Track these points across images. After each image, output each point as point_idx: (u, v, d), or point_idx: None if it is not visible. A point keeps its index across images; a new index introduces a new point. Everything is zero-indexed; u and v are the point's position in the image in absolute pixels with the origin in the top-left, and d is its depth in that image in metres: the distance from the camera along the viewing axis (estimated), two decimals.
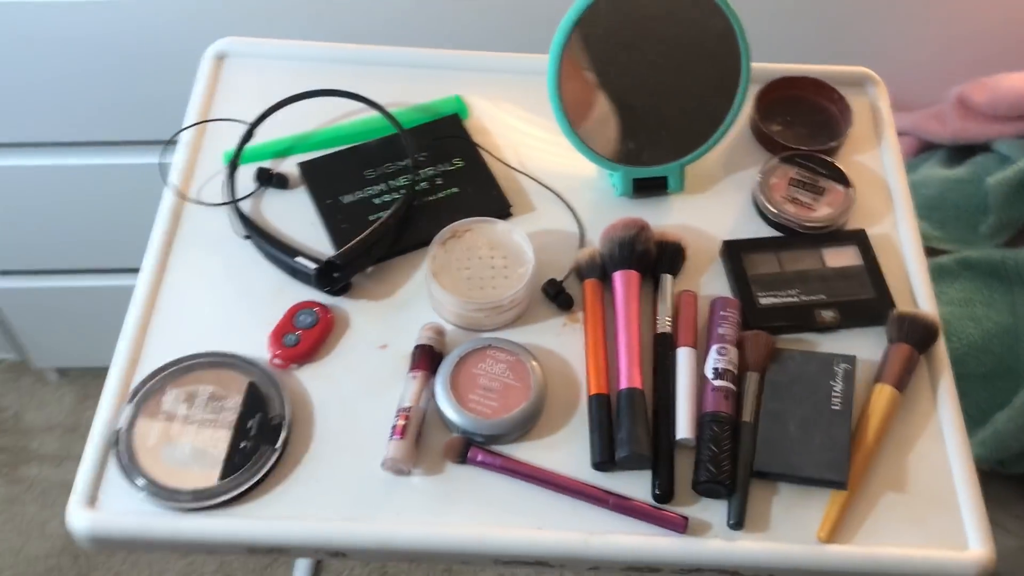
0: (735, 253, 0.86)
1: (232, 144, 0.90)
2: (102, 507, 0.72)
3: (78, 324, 1.61)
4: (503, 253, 0.83)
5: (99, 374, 1.92)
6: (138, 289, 0.82)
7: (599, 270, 0.83)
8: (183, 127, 0.92)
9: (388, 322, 0.82)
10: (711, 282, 0.86)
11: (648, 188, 0.90)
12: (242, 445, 0.73)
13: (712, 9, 0.84)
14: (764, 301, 0.83)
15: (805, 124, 0.97)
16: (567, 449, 0.76)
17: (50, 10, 1.15)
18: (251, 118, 0.90)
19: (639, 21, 0.85)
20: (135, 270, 0.84)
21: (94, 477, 0.73)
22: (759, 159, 0.93)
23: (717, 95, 0.88)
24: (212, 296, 0.83)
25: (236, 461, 0.72)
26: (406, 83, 0.98)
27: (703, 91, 0.88)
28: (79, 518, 0.71)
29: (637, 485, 0.74)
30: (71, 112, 1.28)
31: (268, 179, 0.89)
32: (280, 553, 0.73)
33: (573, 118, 0.87)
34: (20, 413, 1.75)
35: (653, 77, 0.87)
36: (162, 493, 0.71)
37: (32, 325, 1.63)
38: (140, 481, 0.71)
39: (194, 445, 0.73)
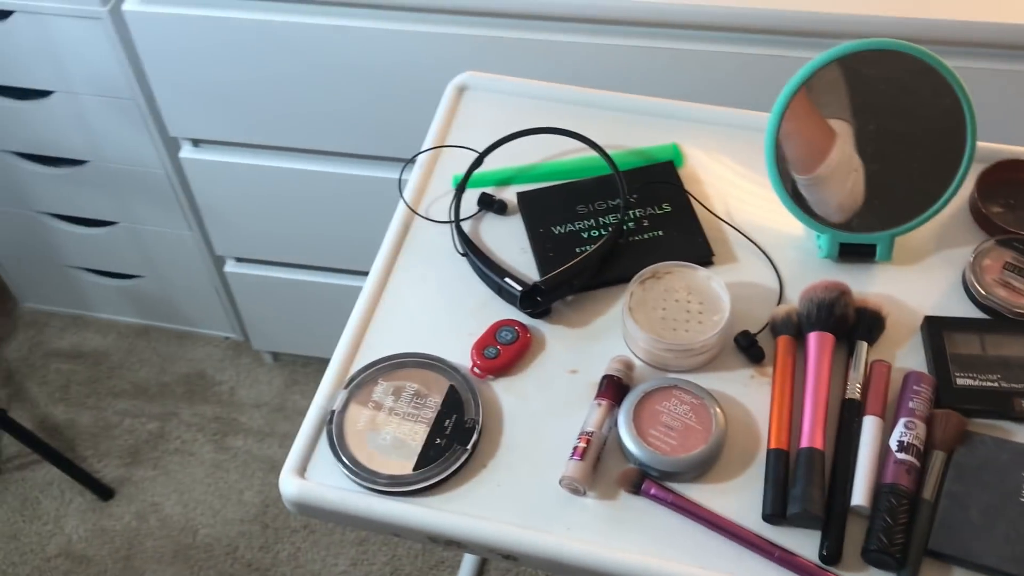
0: (937, 329, 0.85)
1: (462, 168, 0.98)
2: (310, 477, 0.80)
3: (298, 315, 1.76)
4: (700, 299, 0.86)
5: (308, 362, 2.09)
6: (366, 288, 0.91)
7: (794, 328, 0.85)
8: (422, 150, 1.01)
9: (581, 349, 0.87)
10: (907, 356, 0.86)
11: (854, 254, 0.91)
12: (437, 441, 0.80)
13: (942, 86, 0.84)
14: (961, 382, 0.82)
15: None
16: (739, 497, 0.78)
17: (331, 38, 1.29)
18: (482, 147, 0.99)
19: (865, 89, 0.86)
20: (359, 272, 0.93)
21: (306, 449, 0.82)
22: (974, 238, 0.92)
23: (938, 169, 0.88)
24: (427, 303, 0.91)
25: (430, 455, 0.79)
26: (626, 127, 1.03)
27: (924, 164, 0.88)
28: (289, 484, 0.80)
29: (805, 543, 0.75)
30: (332, 125, 1.42)
31: (489, 204, 0.97)
32: (457, 547, 0.79)
33: (786, 177, 0.89)
34: (235, 388, 1.93)
35: (873, 145, 0.88)
36: (362, 474, 0.79)
37: (257, 310, 1.81)
38: (345, 459, 0.79)
39: (395, 435, 0.81)
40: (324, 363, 0.87)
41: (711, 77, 1.24)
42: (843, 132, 0.88)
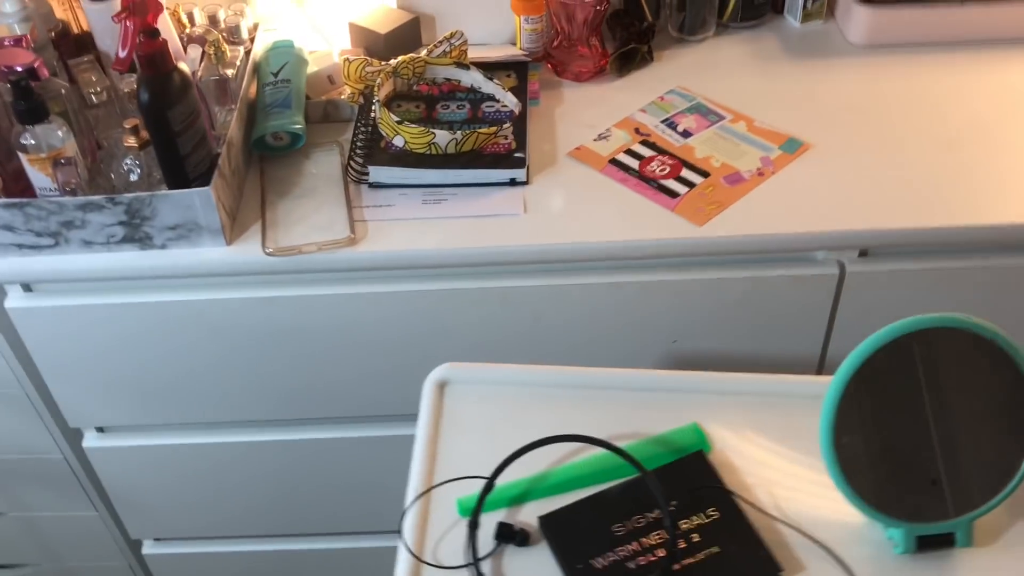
0: None
1: (463, 485, 0.84)
2: None
3: None
4: None
5: None
6: None
7: None
8: (414, 498, 0.86)
9: None
10: None
11: (932, 543, 0.80)
12: None
13: (1003, 359, 0.77)
14: None
15: None
16: None
17: (214, 309, 1.13)
18: (477, 452, 0.85)
19: (922, 369, 0.78)
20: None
21: None
22: None
23: (1009, 444, 0.79)
24: None
25: None
26: (634, 407, 0.91)
27: (993, 441, 0.80)
28: None
29: None
30: (243, 393, 1.25)
31: (509, 536, 0.82)
32: None
33: (848, 470, 0.79)
34: None
35: (937, 427, 0.79)
36: None
37: None
38: None
39: None
40: None
41: (723, 344, 1.15)
42: (904, 412, 0.79)
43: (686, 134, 1.22)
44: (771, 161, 1.18)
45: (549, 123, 1.25)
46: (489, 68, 1.28)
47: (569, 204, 1.13)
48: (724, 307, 1.16)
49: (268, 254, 1.08)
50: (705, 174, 1.16)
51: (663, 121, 1.25)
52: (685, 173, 1.17)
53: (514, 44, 1.36)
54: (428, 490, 0.85)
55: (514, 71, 1.29)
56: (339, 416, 1.30)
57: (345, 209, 1.12)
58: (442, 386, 0.93)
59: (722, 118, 1.25)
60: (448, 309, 1.15)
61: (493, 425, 0.89)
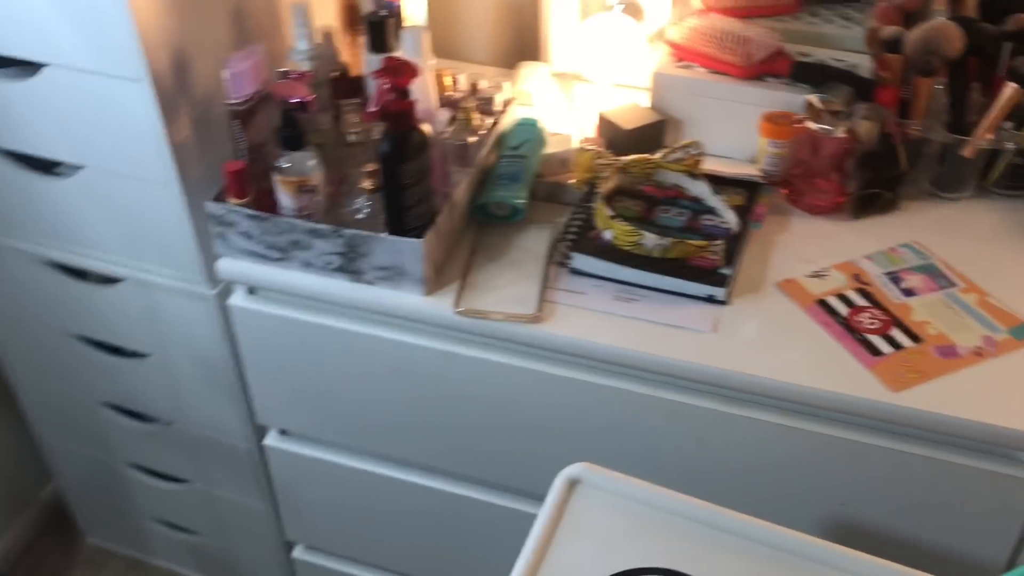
0: None
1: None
2: None
3: None
4: None
5: None
6: None
7: None
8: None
9: None
10: None
11: None
12: None
13: None
14: None
15: None
16: None
17: (438, 361, 1.19)
18: (586, 563, 0.84)
19: None
20: None
21: None
22: None
23: None
24: None
25: None
26: (770, 566, 0.86)
27: None
28: None
29: None
30: (427, 441, 1.31)
31: None
32: None
33: None
34: None
35: None
36: None
37: None
38: None
39: None
40: None
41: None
42: None
43: (908, 293, 1.15)
44: (995, 343, 1.08)
45: (766, 248, 1.22)
46: (719, 181, 1.27)
47: (762, 334, 1.10)
48: (904, 483, 1.07)
49: (457, 313, 1.13)
50: (917, 339, 1.09)
51: (887, 273, 1.18)
52: (895, 333, 1.10)
53: (753, 163, 1.35)
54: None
55: (745, 190, 1.28)
56: (478, 477, 1.32)
57: (540, 287, 1.16)
58: (573, 484, 0.93)
59: (953, 285, 1.17)
60: (612, 407, 1.15)
61: (612, 539, 0.87)
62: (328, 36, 1.30)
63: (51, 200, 1.32)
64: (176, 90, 1.16)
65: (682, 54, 1.38)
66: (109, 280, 1.38)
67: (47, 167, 1.30)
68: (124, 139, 1.19)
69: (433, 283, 1.17)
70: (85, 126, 1.21)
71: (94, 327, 1.47)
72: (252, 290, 1.26)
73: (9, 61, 1.19)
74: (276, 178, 1.16)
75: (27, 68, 1.19)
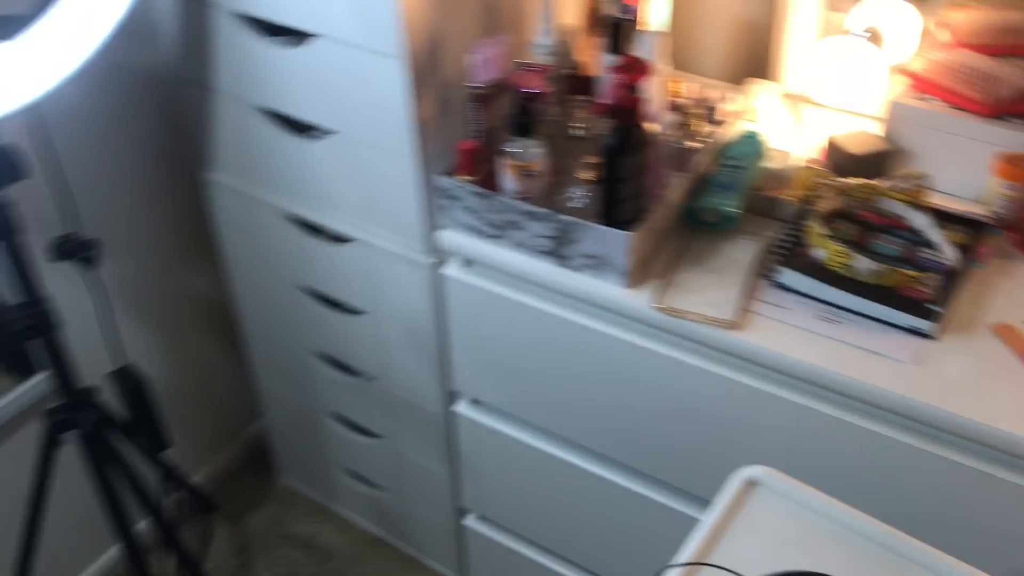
0: None
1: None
2: None
3: None
4: None
5: None
6: None
7: None
8: (678, 563, 0.89)
9: None
10: None
11: None
12: None
13: None
14: None
15: None
16: None
17: (638, 359, 1.23)
18: (753, 560, 0.85)
19: None
20: None
21: None
22: None
23: None
24: None
25: None
26: None
27: None
28: None
29: None
30: (615, 435, 1.35)
31: None
32: None
33: None
34: None
35: None
36: None
37: (486, 570, 1.72)
38: None
39: None
40: None
41: None
42: None
43: None
44: None
45: (984, 290, 1.18)
46: (943, 216, 1.24)
47: (969, 374, 1.07)
48: None
49: (655, 308, 1.16)
50: None
51: None
52: None
53: (981, 203, 1.30)
54: (693, 564, 0.87)
55: (969, 229, 1.24)
56: (652, 474, 1.35)
57: (741, 296, 1.17)
58: (751, 485, 0.94)
59: None
60: (799, 425, 1.14)
61: (783, 544, 0.87)
62: (568, 35, 1.37)
63: (301, 160, 1.46)
64: (426, 70, 1.26)
65: (922, 86, 1.35)
66: (340, 239, 1.51)
67: (302, 129, 1.44)
68: (374, 110, 1.30)
69: (636, 277, 1.20)
70: (342, 95, 1.33)
71: (319, 281, 1.61)
72: (466, 263, 1.34)
73: (283, 29, 1.34)
74: (503, 161, 1.23)
75: (298, 37, 1.33)
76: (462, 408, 1.50)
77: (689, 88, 1.40)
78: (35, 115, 1.24)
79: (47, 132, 1.28)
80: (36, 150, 1.24)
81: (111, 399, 1.45)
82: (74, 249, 1.36)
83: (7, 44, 1.10)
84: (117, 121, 1.62)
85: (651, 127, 1.16)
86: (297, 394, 1.85)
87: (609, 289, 1.20)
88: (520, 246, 1.26)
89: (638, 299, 1.19)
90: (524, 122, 1.21)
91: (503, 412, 1.47)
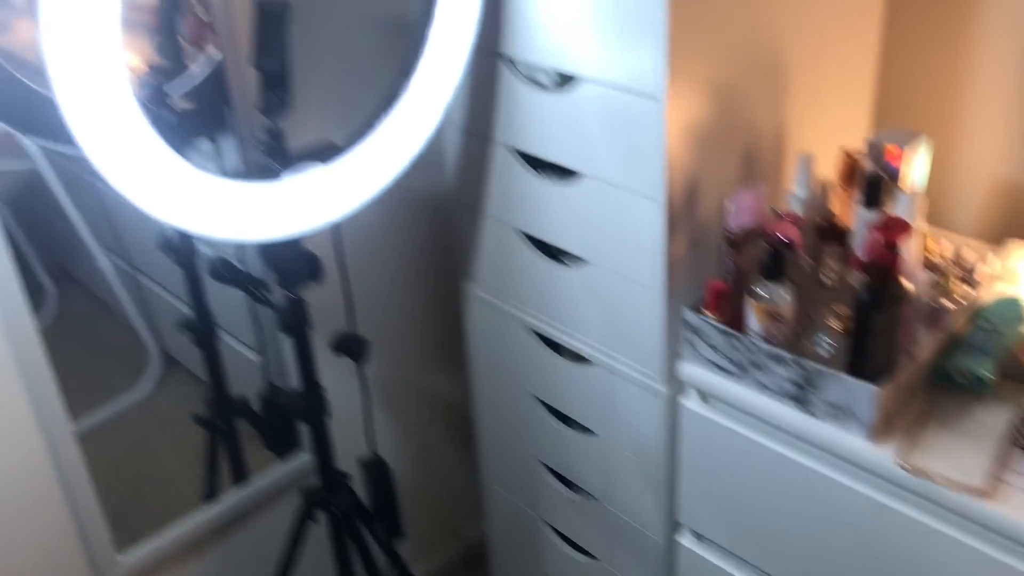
0: None
1: None
2: None
3: None
4: None
5: None
6: None
7: None
8: None
9: None
10: None
11: None
12: None
13: None
14: None
15: None
16: None
17: (880, 519, 1.22)
18: None
19: None
20: None
21: None
22: None
23: None
24: None
25: None
26: None
27: None
28: None
29: None
30: None
31: None
32: None
33: None
34: None
35: None
36: None
37: None
38: None
39: None
40: None
41: None
42: None
43: None
44: None
45: None
46: None
47: None
48: None
49: (899, 465, 1.15)
50: None
51: None
52: None
53: None
54: None
55: None
56: None
57: (991, 463, 1.14)
58: None
59: None
60: None
61: None
62: (823, 187, 1.41)
63: (552, 282, 1.57)
64: (683, 212, 1.34)
65: None
66: (580, 359, 1.60)
67: (556, 254, 1.56)
68: (629, 245, 1.39)
69: (880, 432, 1.20)
70: (599, 228, 1.43)
71: (555, 396, 1.69)
72: (704, 397, 1.38)
73: (551, 165, 1.47)
74: (751, 302, 1.28)
75: (564, 173, 1.45)
76: (685, 540, 1.52)
77: (945, 247, 1.39)
78: (335, 228, 1.42)
79: (341, 243, 1.46)
80: (331, 258, 1.42)
81: (357, 483, 1.59)
82: (350, 345, 1.53)
83: (326, 169, 1.29)
84: (396, 234, 1.81)
85: (906, 284, 1.17)
86: (520, 502, 1.93)
87: (852, 441, 1.20)
88: (762, 387, 1.29)
89: (882, 454, 1.18)
90: (775, 267, 1.25)
91: (727, 551, 1.47)
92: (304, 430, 1.79)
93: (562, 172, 1.46)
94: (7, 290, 1.35)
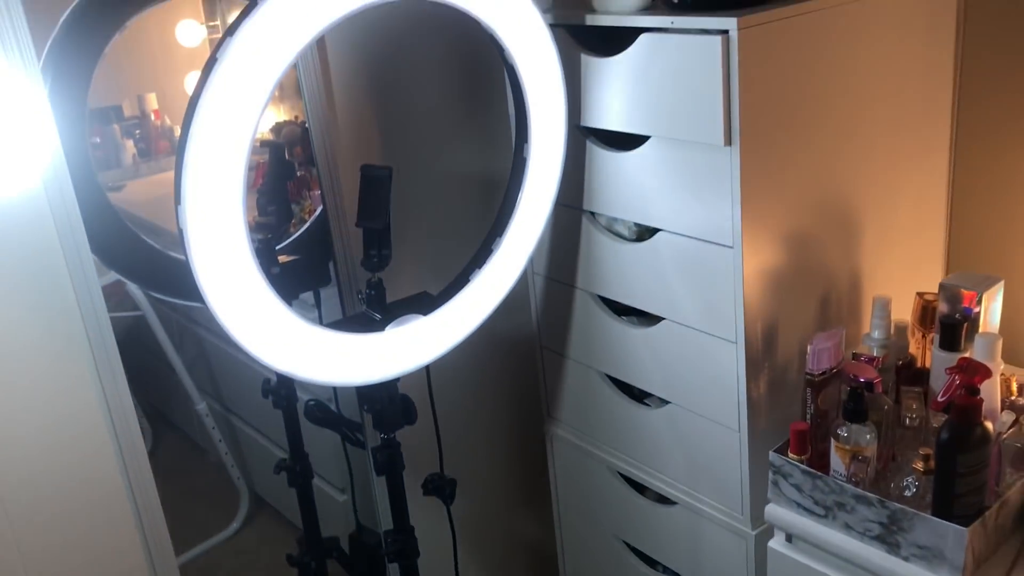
0: None
1: None
2: None
3: None
4: None
5: None
6: None
7: None
8: None
9: None
10: None
11: None
12: None
13: None
14: None
15: None
16: None
17: None
18: None
19: None
20: None
21: None
22: None
23: None
24: None
25: None
26: None
27: None
28: None
29: None
30: None
31: None
32: None
33: None
34: None
35: None
36: None
37: None
38: None
39: None
40: None
41: None
42: None
43: None
44: None
45: None
46: None
47: None
48: None
49: None
50: None
51: None
52: None
53: None
54: None
55: None
56: None
57: None
58: None
59: None
60: None
61: None
62: (900, 329, 1.45)
63: (635, 423, 1.62)
64: (762, 354, 1.39)
65: None
66: (663, 499, 1.62)
67: (639, 396, 1.61)
68: (710, 387, 1.44)
69: (970, 574, 1.19)
70: (680, 371, 1.48)
71: (640, 538, 1.71)
72: (791, 538, 1.39)
73: (634, 310, 1.54)
74: (834, 444, 1.30)
75: (645, 318, 1.52)
76: None
77: None
78: (425, 371, 1.50)
79: (430, 385, 1.53)
80: (421, 400, 1.49)
81: None
82: (438, 486, 1.59)
83: (425, 319, 1.38)
84: (482, 376, 1.89)
85: (988, 426, 1.19)
86: None
87: None
88: (848, 528, 1.29)
89: None
90: (856, 409, 1.28)
91: None
92: (393, 570, 1.82)
93: (643, 316, 1.53)
94: (127, 427, 1.44)
